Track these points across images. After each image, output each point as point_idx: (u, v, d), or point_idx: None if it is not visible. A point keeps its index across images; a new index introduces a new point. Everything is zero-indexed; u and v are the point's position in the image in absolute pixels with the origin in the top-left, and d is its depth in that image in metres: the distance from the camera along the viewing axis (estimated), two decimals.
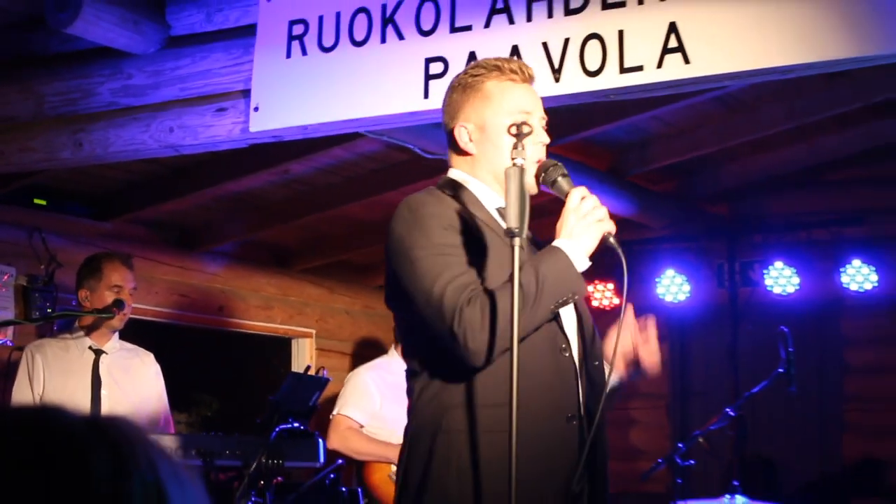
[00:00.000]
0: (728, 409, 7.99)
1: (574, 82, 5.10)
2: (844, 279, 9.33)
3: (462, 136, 4.20)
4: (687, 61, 4.88)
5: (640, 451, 10.21)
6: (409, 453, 4.14)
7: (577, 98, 5.22)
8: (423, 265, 3.94)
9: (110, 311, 6.85)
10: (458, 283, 3.88)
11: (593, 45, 5.03)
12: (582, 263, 3.94)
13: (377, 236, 9.41)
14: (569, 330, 4.13)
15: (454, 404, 3.98)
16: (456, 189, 4.23)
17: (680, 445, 8.13)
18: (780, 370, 7.80)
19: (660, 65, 4.92)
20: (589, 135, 8.13)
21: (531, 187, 4.05)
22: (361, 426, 8.34)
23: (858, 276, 9.29)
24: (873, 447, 9.73)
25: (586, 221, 3.96)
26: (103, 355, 7.01)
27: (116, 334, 7.09)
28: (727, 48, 4.81)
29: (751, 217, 10.21)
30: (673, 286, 9.79)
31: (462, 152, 4.25)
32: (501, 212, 4.15)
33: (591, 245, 3.98)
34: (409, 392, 4.23)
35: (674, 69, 4.91)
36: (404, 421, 8.39)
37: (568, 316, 4.14)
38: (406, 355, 4.31)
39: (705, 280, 9.90)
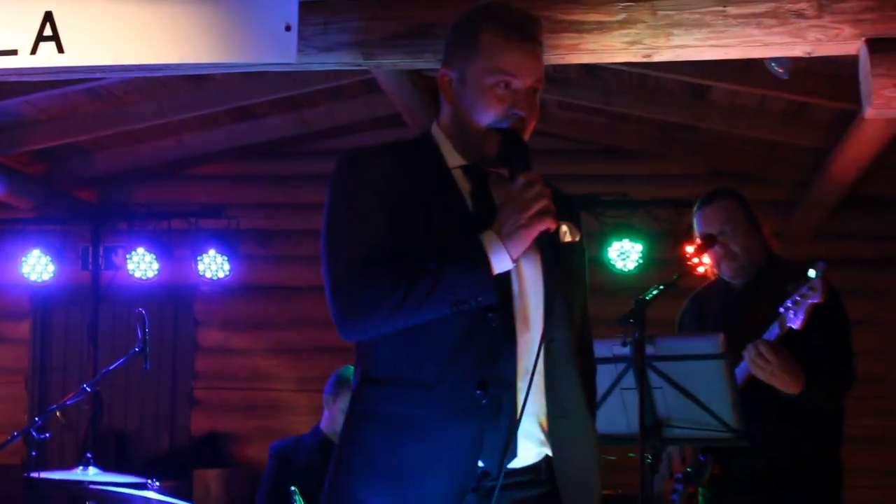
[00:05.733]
0: (85, 385, 4.48)
1: None
2: (201, 267, 5.46)
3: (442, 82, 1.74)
4: (61, 50, 2.82)
5: None
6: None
7: None
8: None
9: None
10: None
11: None
12: (503, 265, 1.57)
13: None
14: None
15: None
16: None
17: (36, 419, 4.46)
18: (137, 349, 4.36)
19: (34, 51, 2.82)
20: None
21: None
22: None
23: (213, 264, 5.44)
24: (218, 422, 5.88)
25: (524, 215, 1.53)
26: None
27: None
28: (102, 42, 2.80)
29: (117, 204, 5.98)
30: (38, 266, 5.43)
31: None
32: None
33: (522, 245, 1.56)
34: None
35: (48, 56, 2.83)
36: None
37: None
38: None
39: (70, 262, 5.58)
